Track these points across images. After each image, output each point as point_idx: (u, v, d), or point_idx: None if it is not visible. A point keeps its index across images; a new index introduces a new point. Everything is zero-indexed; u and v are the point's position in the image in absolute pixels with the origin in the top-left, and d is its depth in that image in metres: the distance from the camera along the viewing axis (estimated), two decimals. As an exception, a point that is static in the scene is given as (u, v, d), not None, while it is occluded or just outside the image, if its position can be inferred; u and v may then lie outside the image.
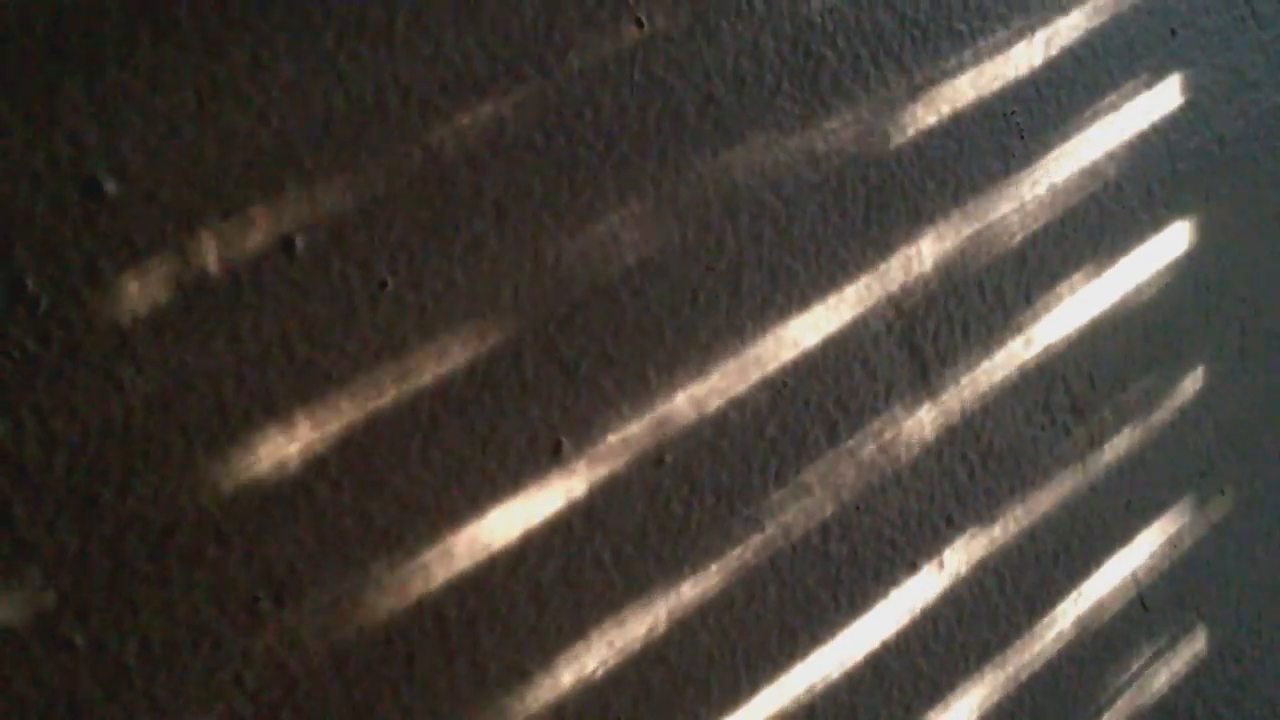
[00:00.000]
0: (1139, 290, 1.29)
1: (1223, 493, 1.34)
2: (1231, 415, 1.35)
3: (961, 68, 1.18)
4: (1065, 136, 1.24)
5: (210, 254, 0.86)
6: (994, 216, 1.19)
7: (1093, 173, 1.26)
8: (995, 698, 1.17)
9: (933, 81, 1.16)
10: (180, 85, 0.85)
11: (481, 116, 0.95)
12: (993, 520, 1.18)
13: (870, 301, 1.12)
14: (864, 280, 1.12)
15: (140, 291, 0.83)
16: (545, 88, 0.98)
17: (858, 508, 1.11)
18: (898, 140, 1.14)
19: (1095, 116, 1.27)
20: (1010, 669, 1.18)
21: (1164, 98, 1.32)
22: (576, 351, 0.98)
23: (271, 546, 0.87)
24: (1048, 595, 1.21)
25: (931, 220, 1.15)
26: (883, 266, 1.13)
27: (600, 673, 0.99)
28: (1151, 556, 1.28)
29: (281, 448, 0.88)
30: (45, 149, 0.81)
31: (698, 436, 1.03)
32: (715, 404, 1.04)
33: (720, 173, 1.05)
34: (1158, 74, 1.32)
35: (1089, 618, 1.24)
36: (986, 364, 1.18)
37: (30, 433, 0.80)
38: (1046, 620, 1.21)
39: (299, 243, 0.88)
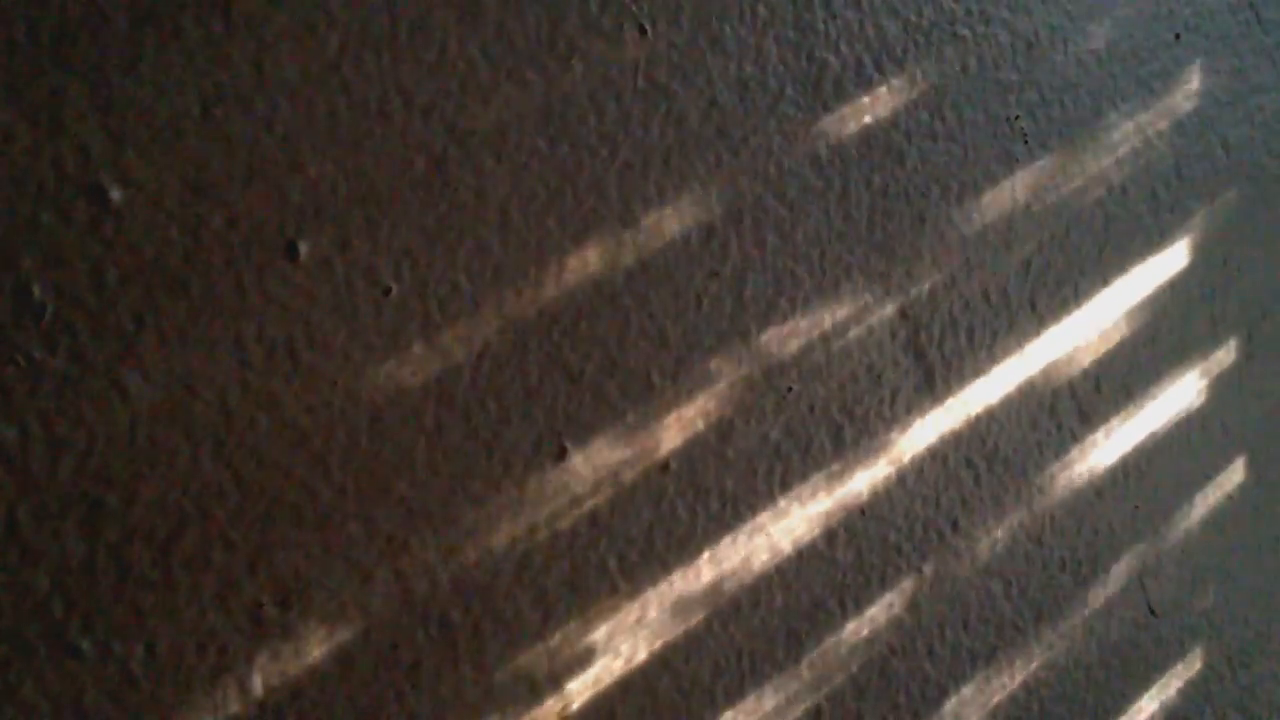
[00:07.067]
0: (1145, 295, 1.29)
1: (1230, 498, 1.34)
2: (1238, 419, 1.35)
3: (965, 73, 1.18)
4: (1070, 142, 1.24)
5: (215, 260, 0.86)
6: (999, 221, 1.19)
7: (1098, 178, 1.26)
8: (1002, 703, 1.17)
9: (936, 87, 1.16)
10: (185, 92, 0.85)
11: (485, 122, 0.96)
12: (998, 525, 1.18)
13: (875, 306, 1.12)
14: (868, 285, 1.12)
15: (145, 298, 0.84)
16: (549, 94, 0.98)
17: (863, 512, 1.10)
18: (902, 145, 1.14)
19: (1100, 122, 1.27)
20: (1017, 674, 1.18)
21: (1169, 103, 1.32)
22: (581, 356, 0.98)
23: (276, 552, 0.87)
24: (1054, 601, 1.21)
25: (936, 225, 1.15)
26: (887, 271, 1.13)
27: (606, 678, 0.98)
28: (1159, 561, 1.28)
29: (285, 453, 0.88)
30: (51, 157, 0.81)
31: (702, 441, 1.03)
32: (720, 409, 1.04)
33: (724, 178, 1.05)
34: (1162, 79, 1.31)
35: (1096, 623, 1.23)
36: (992, 369, 1.18)
37: (36, 439, 0.80)
38: (1053, 626, 1.20)
39: (303, 248, 0.89)
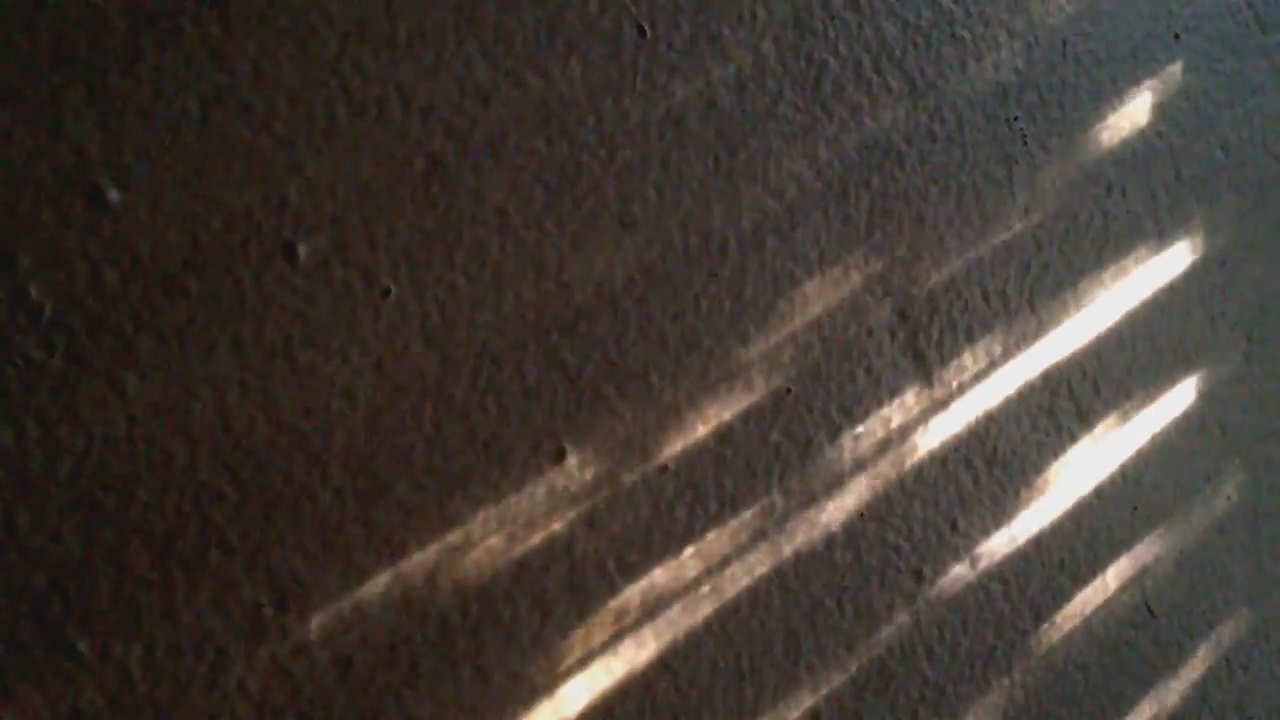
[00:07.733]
0: (1144, 296, 1.29)
1: (1229, 498, 1.34)
2: (1237, 420, 1.35)
3: (964, 74, 1.18)
4: (1069, 142, 1.24)
5: (214, 261, 0.86)
6: (998, 222, 1.19)
7: (1096, 178, 1.26)
8: (1001, 704, 1.17)
9: (935, 88, 1.16)
10: (183, 94, 0.85)
11: (484, 123, 0.95)
12: (998, 526, 1.18)
13: (874, 307, 1.12)
14: (867, 286, 1.12)
15: (143, 299, 0.83)
16: (547, 95, 0.98)
17: (862, 514, 1.10)
18: (900, 146, 1.14)
19: (1099, 122, 1.27)
20: (1016, 675, 1.18)
21: (1168, 103, 1.32)
22: (580, 358, 0.98)
23: (275, 553, 0.87)
24: (1053, 601, 1.21)
25: (935, 226, 1.15)
26: (886, 272, 1.12)
27: (606, 681, 0.98)
28: (1158, 562, 1.28)
29: (284, 455, 0.88)
30: (49, 158, 0.81)
31: (701, 443, 1.03)
32: (718, 410, 1.04)
33: (723, 179, 1.05)
34: (1161, 80, 1.31)
35: (1095, 624, 1.23)
36: (991, 369, 1.18)
37: (34, 440, 0.80)
38: (1052, 626, 1.20)
39: (302, 250, 0.89)
